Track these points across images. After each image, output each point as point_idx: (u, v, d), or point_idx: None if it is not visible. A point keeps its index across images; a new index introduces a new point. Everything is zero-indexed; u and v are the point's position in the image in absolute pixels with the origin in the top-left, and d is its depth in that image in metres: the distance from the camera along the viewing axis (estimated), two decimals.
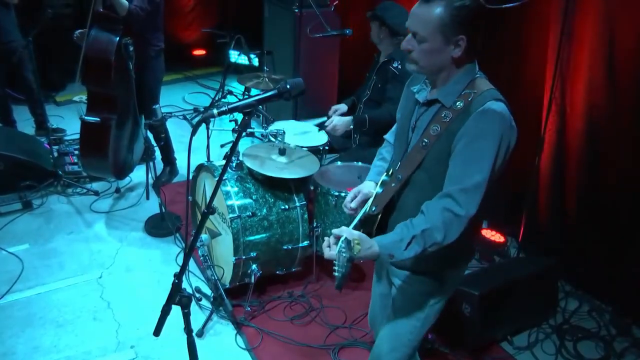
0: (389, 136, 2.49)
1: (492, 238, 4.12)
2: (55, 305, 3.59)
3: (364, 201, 2.30)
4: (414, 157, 2.05)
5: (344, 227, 1.89)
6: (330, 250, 1.87)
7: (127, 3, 4.05)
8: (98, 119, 4.22)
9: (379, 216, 2.19)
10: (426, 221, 1.90)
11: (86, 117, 4.25)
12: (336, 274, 1.81)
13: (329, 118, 4.07)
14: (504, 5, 3.31)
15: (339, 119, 3.89)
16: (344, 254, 1.78)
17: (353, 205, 2.30)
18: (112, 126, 4.23)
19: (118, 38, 4.06)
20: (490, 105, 1.87)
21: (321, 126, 4.21)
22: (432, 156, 1.99)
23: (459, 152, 1.91)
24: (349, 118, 3.89)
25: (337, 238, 1.86)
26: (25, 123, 5.72)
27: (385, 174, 2.29)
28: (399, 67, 3.73)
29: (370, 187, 2.33)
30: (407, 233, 1.90)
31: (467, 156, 1.89)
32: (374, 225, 2.21)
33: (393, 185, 2.13)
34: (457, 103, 1.94)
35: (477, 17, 1.89)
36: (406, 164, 2.08)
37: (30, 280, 3.79)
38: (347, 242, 1.79)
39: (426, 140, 1.99)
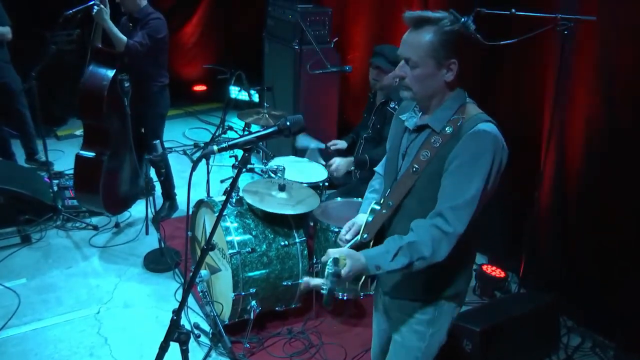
0: (379, 168, 2.51)
1: (493, 273, 4.10)
2: (51, 341, 3.55)
3: (359, 232, 2.30)
4: (404, 182, 2.06)
5: (329, 249, 1.92)
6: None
7: (124, 38, 4.12)
8: (93, 154, 4.26)
9: (371, 243, 2.19)
10: (414, 236, 1.93)
11: (81, 152, 4.30)
12: (323, 291, 1.83)
13: (327, 148, 4.10)
14: (502, 42, 3.35)
15: (340, 160, 3.92)
16: (329, 269, 1.81)
17: (348, 237, 2.30)
18: (104, 162, 4.27)
19: (113, 73, 4.11)
20: (480, 126, 1.91)
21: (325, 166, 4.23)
22: (422, 181, 2.01)
23: (451, 173, 1.93)
24: (350, 159, 3.92)
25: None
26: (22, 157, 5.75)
27: (375, 202, 2.30)
28: (397, 107, 3.76)
29: (364, 219, 2.33)
30: (393, 245, 1.93)
31: (459, 175, 1.92)
32: None
33: (384, 212, 2.14)
34: (447, 128, 1.97)
35: (467, 41, 1.98)
36: (396, 190, 2.10)
37: (26, 316, 3.75)
38: (335, 259, 1.82)
39: (416, 166, 2.02)
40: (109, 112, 4.16)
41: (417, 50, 1.94)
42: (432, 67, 1.94)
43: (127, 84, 4.06)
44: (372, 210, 2.25)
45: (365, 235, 2.18)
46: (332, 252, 1.90)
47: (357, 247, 2.22)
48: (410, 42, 1.96)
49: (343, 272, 1.83)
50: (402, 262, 1.92)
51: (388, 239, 1.98)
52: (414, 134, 2.09)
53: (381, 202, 2.25)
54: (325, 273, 1.83)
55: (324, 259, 1.91)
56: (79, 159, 4.35)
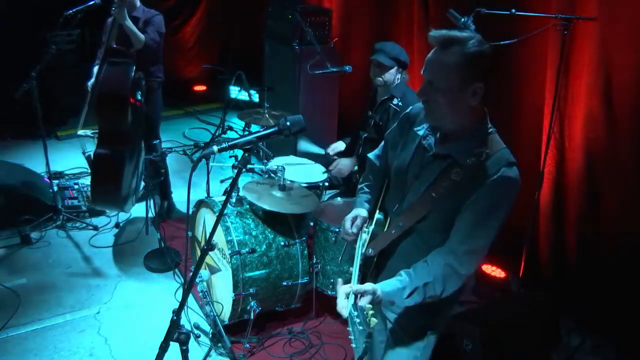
0: (374, 158, 2.46)
1: (493, 273, 4.10)
2: (51, 341, 3.55)
3: (363, 224, 2.28)
4: (418, 209, 2.03)
5: (352, 284, 1.86)
6: (342, 307, 1.81)
7: (143, 36, 4.15)
8: (113, 151, 4.19)
9: (375, 259, 2.20)
10: (429, 273, 1.93)
11: (101, 150, 4.18)
12: (353, 345, 1.76)
13: (327, 154, 4.10)
14: (501, 42, 3.35)
15: (342, 161, 3.91)
16: (359, 327, 1.73)
17: (354, 229, 2.26)
18: (126, 158, 4.21)
19: (133, 72, 4.10)
20: (506, 172, 1.87)
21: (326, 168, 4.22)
22: (438, 210, 1.98)
23: (471, 213, 1.91)
24: (352, 159, 3.91)
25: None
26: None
27: (378, 211, 2.29)
28: (400, 103, 3.76)
29: (364, 212, 2.31)
30: (409, 283, 1.92)
31: (478, 220, 1.90)
32: (371, 266, 2.21)
33: (393, 232, 2.12)
34: (469, 160, 1.92)
35: (491, 65, 1.88)
36: (409, 215, 2.06)
37: (26, 316, 3.75)
38: (362, 311, 1.75)
39: (434, 195, 1.97)
40: (129, 111, 4.14)
41: (442, 72, 1.85)
42: (457, 90, 1.85)
43: (143, 82, 4.09)
44: (378, 222, 2.24)
45: (370, 250, 2.18)
46: (355, 288, 1.80)
47: (362, 261, 2.20)
48: (435, 63, 1.87)
49: (373, 330, 1.75)
50: (415, 300, 1.94)
51: (402, 272, 1.96)
52: (431, 157, 2.03)
53: (379, 209, 2.25)
54: (353, 326, 1.75)
55: (345, 288, 1.82)
56: (99, 157, 4.18)
